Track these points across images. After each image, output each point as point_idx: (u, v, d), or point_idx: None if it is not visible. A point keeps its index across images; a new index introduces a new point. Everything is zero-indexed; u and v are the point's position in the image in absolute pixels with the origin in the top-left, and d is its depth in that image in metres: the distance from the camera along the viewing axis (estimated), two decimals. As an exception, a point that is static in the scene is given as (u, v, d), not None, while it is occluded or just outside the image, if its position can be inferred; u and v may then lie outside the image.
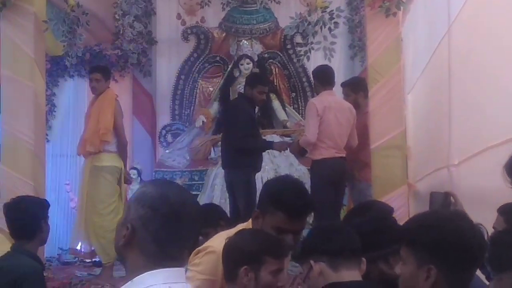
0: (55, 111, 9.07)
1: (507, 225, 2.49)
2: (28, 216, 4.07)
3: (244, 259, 2.66)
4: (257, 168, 7.18)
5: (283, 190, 3.08)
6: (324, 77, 6.97)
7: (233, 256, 2.69)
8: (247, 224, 3.16)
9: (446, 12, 5.41)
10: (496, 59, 4.04)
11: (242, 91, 8.22)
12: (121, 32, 9.43)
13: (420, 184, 6.32)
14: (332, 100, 6.84)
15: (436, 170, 5.57)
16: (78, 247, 7.59)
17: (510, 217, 2.59)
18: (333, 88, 7.09)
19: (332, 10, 7.82)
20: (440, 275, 1.92)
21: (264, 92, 6.11)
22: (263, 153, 7.82)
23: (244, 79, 8.38)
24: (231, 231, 2.98)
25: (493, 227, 2.68)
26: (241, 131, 6.95)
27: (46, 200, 4.70)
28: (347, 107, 6.95)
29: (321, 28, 8.02)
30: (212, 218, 4.24)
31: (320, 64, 8.00)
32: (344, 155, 6.75)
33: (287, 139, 8.63)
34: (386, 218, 2.95)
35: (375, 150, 6.31)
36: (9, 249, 4.06)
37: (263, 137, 7.99)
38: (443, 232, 1.99)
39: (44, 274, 4.42)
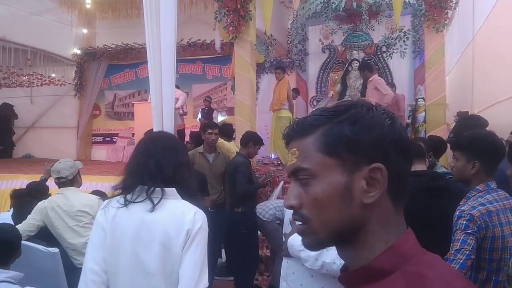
0: (259, 90, 9.41)
1: None
2: (245, 138, 4.45)
3: None
4: None
5: None
6: (372, 67, 6.55)
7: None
8: None
9: (471, 29, 5.09)
10: (500, 53, 3.79)
11: (354, 80, 7.97)
12: (290, 49, 9.48)
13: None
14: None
15: (464, 116, 5.26)
16: (271, 156, 7.97)
17: None
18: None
19: (405, 31, 7.39)
20: (481, 167, 1.86)
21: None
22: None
23: (355, 72, 8.17)
24: None
25: (506, 140, 2.57)
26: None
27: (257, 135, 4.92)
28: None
29: (398, 41, 7.60)
30: None
31: (398, 61, 7.62)
32: None
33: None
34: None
35: (430, 105, 6.06)
36: (236, 153, 4.46)
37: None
38: (482, 141, 1.89)
39: (252, 168, 4.77)
